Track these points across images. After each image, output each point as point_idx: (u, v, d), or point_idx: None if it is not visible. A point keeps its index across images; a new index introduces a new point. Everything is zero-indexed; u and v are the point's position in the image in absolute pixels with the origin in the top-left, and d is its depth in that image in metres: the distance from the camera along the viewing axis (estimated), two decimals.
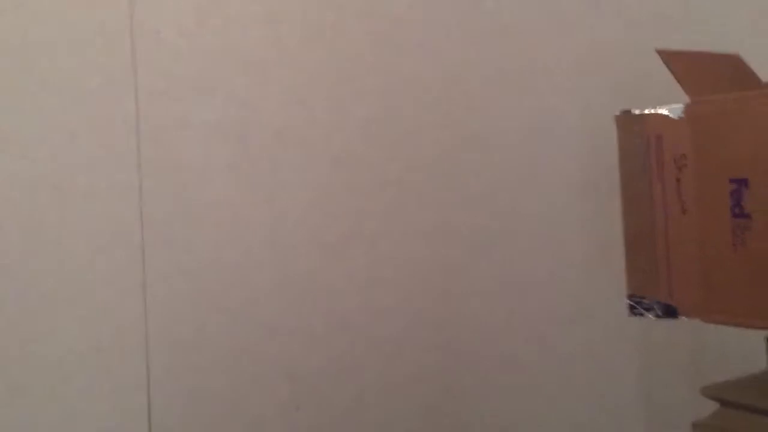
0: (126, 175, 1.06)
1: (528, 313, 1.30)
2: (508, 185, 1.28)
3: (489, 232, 1.27)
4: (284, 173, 1.15)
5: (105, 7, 1.05)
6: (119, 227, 1.06)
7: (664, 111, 0.92)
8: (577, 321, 1.32)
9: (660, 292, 0.94)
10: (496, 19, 1.28)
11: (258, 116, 1.13)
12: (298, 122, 1.15)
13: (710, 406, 0.96)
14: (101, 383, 1.05)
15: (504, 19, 1.28)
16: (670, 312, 0.94)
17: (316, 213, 1.16)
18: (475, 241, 1.26)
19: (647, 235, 0.95)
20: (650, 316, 0.96)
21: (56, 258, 1.03)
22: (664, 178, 0.92)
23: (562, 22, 1.31)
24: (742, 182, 0.86)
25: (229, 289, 1.11)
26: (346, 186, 1.18)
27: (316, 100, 1.16)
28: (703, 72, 0.96)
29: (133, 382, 1.06)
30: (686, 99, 0.92)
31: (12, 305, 1.01)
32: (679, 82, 0.94)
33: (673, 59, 0.95)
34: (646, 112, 0.94)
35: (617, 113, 0.99)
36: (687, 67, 0.95)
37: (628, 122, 0.97)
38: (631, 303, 0.98)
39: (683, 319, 0.93)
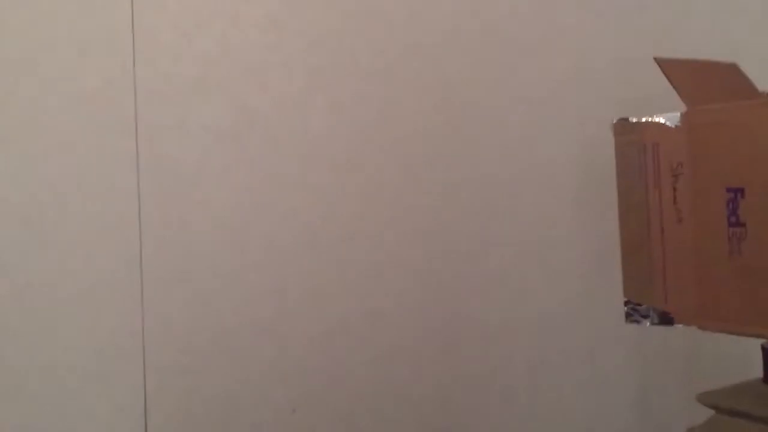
0: (124, 178, 1.06)
1: (524, 319, 1.30)
2: (506, 191, 1.29)
3: (487, 238, 1.27)
4: (282, 176, 1.15)
5: (106, 9, 1.05)
6: (117, 229, 1.06)
7: (661, 119, 0.93)
8: (573, 327, 1.33)
9: (656, 299, 0.95)
10: (495, 27, 1.28)
11: (256, 119, 1.13)
12: (296, 125, 1.16)
13: (705, 413, 0.96)
14: (98, 386, 1.05)
15: (502, 27, 1.29)
16: (665, 319, 0.94)
17: (314, 216, 1.17)
18: (473, 247, 1.27)
19: (644, 243, 0.95)
20: (646, 322, 0.96)
21: (54, 260, 1.03)
22: (660, 186, 0.93)
23: (559, 31, 1.32)
24: (738, 191, 0.86)
25: (226, 291, 1.12)
26: (344, 189, 1.19)
27: (314, 103, 1.17)
28: (701, 81, 0.97)
29: (129, 384, 1.06)
30: (683, 107, 0.92)
31: (9, 307, 1.01)
32: (676, 90, 0.94)
33: (670, 68, 0.95)
34: (643, 120, 0.95)
35: (614, 121, 0.99)
36: (684, 75, 0.95)
37: (625, 130, 0.98)
38: (627, 310, 0.98)
39: (679, 326, 0.93)
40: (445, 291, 1.25)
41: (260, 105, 1.14)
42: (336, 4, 1.18)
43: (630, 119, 0.97)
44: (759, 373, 0.98)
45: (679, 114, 0.91)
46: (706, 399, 0.96)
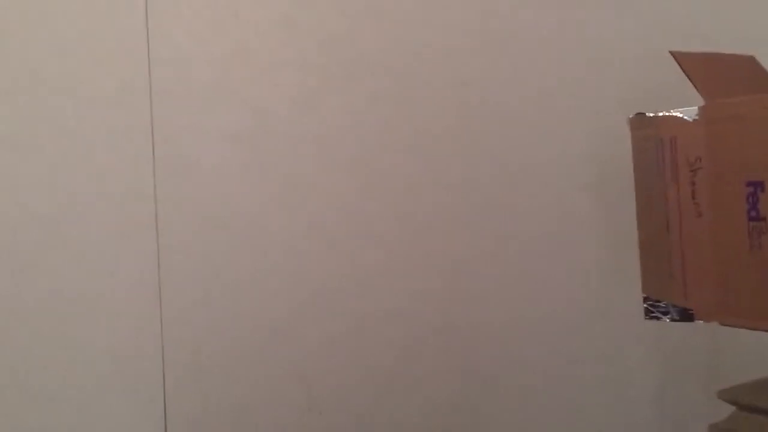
0: (141, 181, 1.07)
1: (542, 317, 1.29)
2: (522, 189, 1.28)
3: (504, 236, 1.27)
4: (297, 177, 1.15)
5: (120, 14, 1.06)
6: (135, 232, 1.07)
7: (678, 113, 0.92)
8: (591, 324, 1.32)
9: (675, 295, 0.94)
10: (509, 22, 1.28)
11: (271, 121, 1.14)
12: (311, 127, 1.16)
13: (726, 410, 0.95)
14: (117, 387, 1.06)
15: (517, 22, 1.28)
16: (685, 315, 0.93)
17: (330, 216, 1.17)
18: (489, 245, 1.26)
19: (662, 239, 0.94)
20: (666, 319, 0.95)
21: (72, 263, 1.04)
22: (678, 180, 0.92)
23: (574, 24, 1.31)
24: (758, 185, 0.85)
25: (244, 293, 1.12)
26: (360, 189, 1.19)
27: (328, 103, 1.17)
28: (718, 74, 0.96)
29: (148, 385, 1.07)
30: (700, 101, 0.91)
31: (28, 310, 1.02)
32: (693, 84, 0.93)
33: (687, 61, 0.94)
34: (660, 114, 0.94)
35: (631, 116, 0.98)
36: (701, 68, 0.94)
37: (641, 125, 0.97)
38: (647, 306, 0.97)
39: (699, 322, 0.92)
40: (462, 290, 1.24)
41: (275, 106, 1.14)
42: (348, 4, 1.18)
43: (647, 114, 0.96)
44: None
45: (696, 108, 0.90)
46: (726, 395, 0.95)
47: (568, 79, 1.30)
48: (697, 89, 0.92)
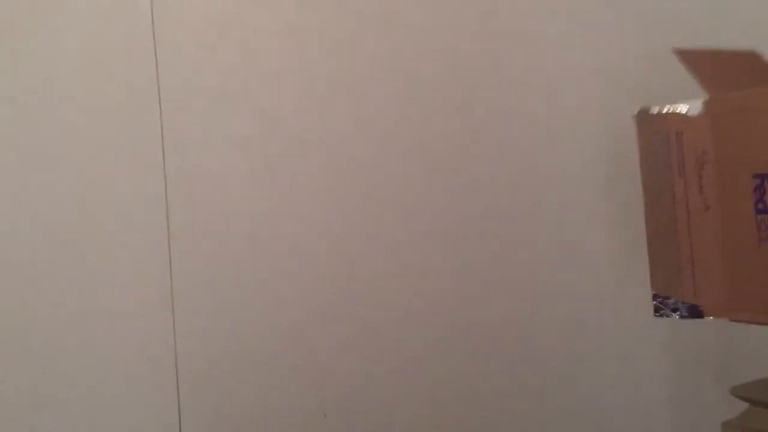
0: (152, 187, 1.08)
1: (555, 317, 1.29)
2: (532, 189, 1.28)
3: (515, 237, 1.27)
4: (306, 181, 1.15)
5: (127, 22, 1.07)
6: (146, 239, 1.07)
7: (683, 108, 0.92)
8: (604, 323, 1.31)
9: (684, 291, 0.93)
10: (513, 22, 1.28)
11: (279, 125, 1.14)
12: (318, 130, 1.16)
13: (740, 406, 0.95)
14: (130, 393, 1.06)
15: (520, 21, 1.29)
16: (695, 312, 0.93)
17: (339, 220, 1.17)
18: (501, 246, 1.26)
19: (670, 234, 0.94)
20: (675, 316, 0.95)
21: (84, 271, 1.05)
22: (685, 175, 0.92)
23: (578, 23, 1.31)
24: (764, 177, 0.85)
25: (256, 298, 1.12)
26: (369, 193, 1.19)
27: (335, 107, 1.17)
28: (721, 69, 0.96)
29: (162, 390, 1.07)
30: (704, 96, 0.91)
31: (40, 317, 1.03)
32: (697, 79, 0.93)
33: (690, 57, 0.95)
34: (665, 110, 0.94)
35: (636, 112, 0.98)
36: (705, 64, 0.94)
37: (647, 121, 0.97)
38: (656, 303, 0.97)
39: (709, 318, 0.92)
40: (474, 292, 1.24)
41: (282, 111, 1.14)
42: (353, 8, 1.19)
43: (652, 109, 0.96)
44: None
45: (701, 102, 0.90)
46: (740, 392, 0.95)
47: (574, 78, 1.30)
48: (701, 84, 0.93)
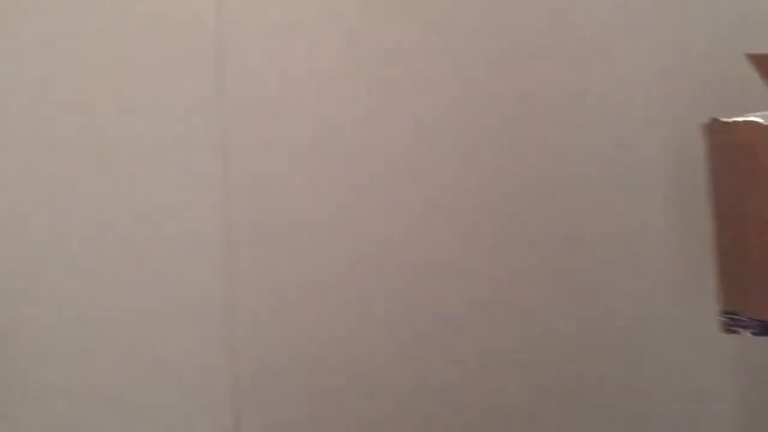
0: (213, 194, 1.10)
1: (615, 329, 1.26)
2: (594, 195, 1.25)
3: (574, 244, 1.24)
4: (365, 188, 1.15)
5: (192, 33, 1.09)
6: (207, 244, 1.09)
7: (756, 118, 0.88)
8: (667, 337, 1.28)
9: (756, 308, 0.90)
10: (577, 31, 1.25)
11: (338, 133, 1.15)
12: (378, 138, 1.16)
13: None
14: (188, 400, 1.08)
15: (585, 29, 1.26)
16: (767, 329, 0.90)
17: (397, 226, 1.17)
18: (560, 254, 1.24)
19: (741, 250, 0.91)
20: (747, 333, 0.92)
21: (143, 276, 1.07)
22: (758, 188, 0.88)
23: (645, 28, 1.27)
24: None
25: (313, 303, 1.13)
26: (427, 198, 1.18)
27: (393, 114, 1.17)
28: None
29: (219, 398, 1.09)
30: None
31: (99, 322, 1.05)
32: None
33: (764, 63, 0.91)
34: (737, 119, 0.90)
35: (705, 122, 0.95)
36: None
37: (717, 131, 0.94)
38: (726, 320, 0.94)
39: None
40: (530, 301, 1.22)
41: (342, 119, 1.15)
42: (414, 15, 1.18)
43: (723, 119, 0.92)
44: None
45: None
46: None
47: (640, 85, 1.27)
48: None
